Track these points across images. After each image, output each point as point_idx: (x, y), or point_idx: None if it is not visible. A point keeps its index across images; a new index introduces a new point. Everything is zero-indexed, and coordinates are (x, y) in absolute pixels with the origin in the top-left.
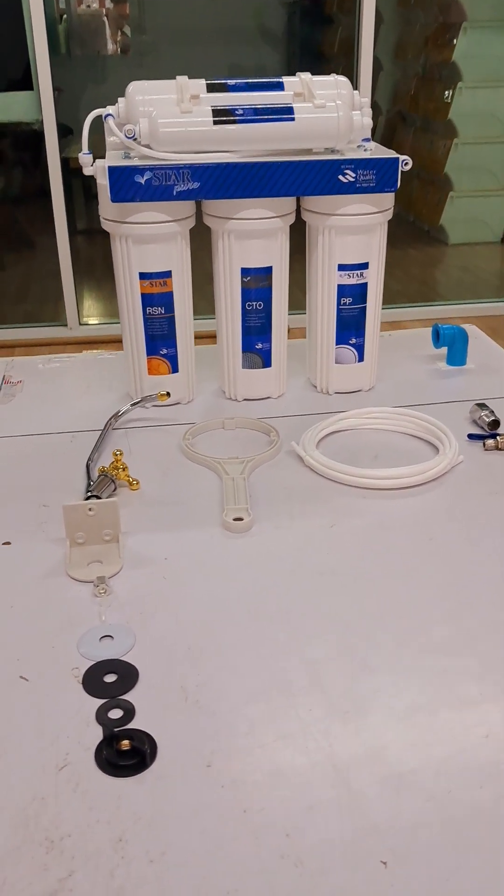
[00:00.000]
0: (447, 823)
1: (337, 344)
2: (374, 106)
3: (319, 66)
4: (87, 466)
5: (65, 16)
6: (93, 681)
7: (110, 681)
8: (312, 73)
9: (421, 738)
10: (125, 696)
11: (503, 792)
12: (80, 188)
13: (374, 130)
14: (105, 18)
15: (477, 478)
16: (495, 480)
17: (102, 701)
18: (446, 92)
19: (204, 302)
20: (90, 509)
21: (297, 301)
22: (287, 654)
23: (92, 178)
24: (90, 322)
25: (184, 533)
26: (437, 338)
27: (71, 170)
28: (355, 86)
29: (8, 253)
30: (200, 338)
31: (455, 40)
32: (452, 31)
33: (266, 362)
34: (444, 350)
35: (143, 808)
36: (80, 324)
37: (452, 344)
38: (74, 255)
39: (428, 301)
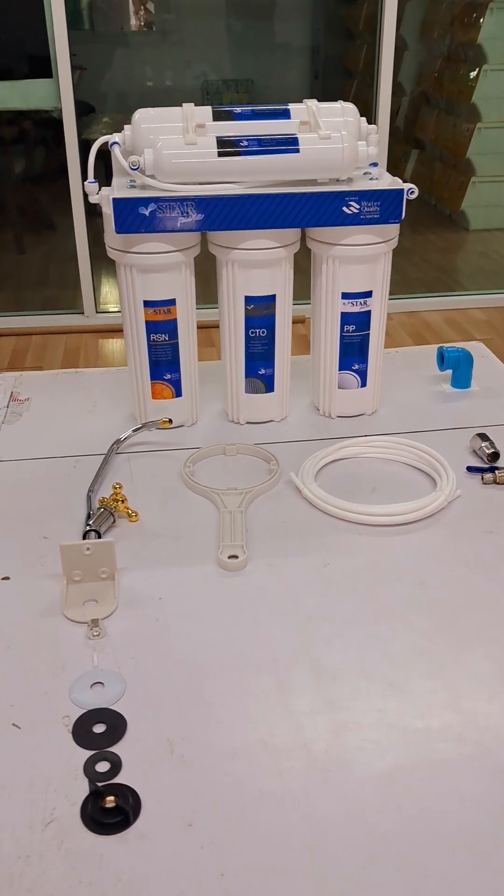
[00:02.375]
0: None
1: (340, 370)
2: (397, 86)
3: (344, 42)
4: (88, 497)
5: None
6: (82, 731)
7: (99, 731)
8: (336, 50)
9: (397, 801)
10: (113, 748)
11: (474, 861)
12: (102, 168)
13: (396, 111)
14: None
15: (473, 514)
16: (491, 518)
17: (91, 753)
18: (471, 74)
19: (208, 292)
20: (87, 549)
21: (304, 291)
22: (273, 707)
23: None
24: (109, 309)
25: (179, 569)
26: (442, 360)
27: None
28: (377, 63)
29: (30, 234)
30: (205, 328)
31: (481, 20)
32: (479, 10)
33: (269, 387)
34: (450, 371)
35: (124, 869)
36: (97, 311)
37: (457, 367)
38: (94, 239)
39: (447, 290)
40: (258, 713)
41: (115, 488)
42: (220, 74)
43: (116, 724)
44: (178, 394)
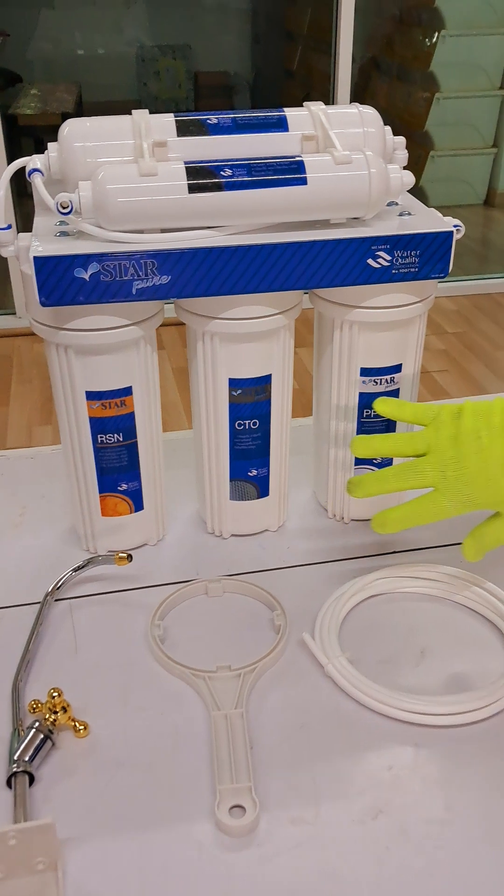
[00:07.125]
0: None
1: (356, 464)
2: None
3: (284, 3)
4: (15, 692)
5: None
6: None
7: None
8: (276, 12)
9: None
10: None
11: None
12: (31, 145)
13: None
14: None
15: None
16: None
17: None
18: (427, 39)
19: None
20: (12, 839)
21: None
22: None
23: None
24: None
25: (155, 838)
26: None
27: (18, 126)
28: (335, 30)
29: None
30: (166, 325)
31: None
32: None
33: (262, 492)
34: None
35: None
36: None
37: None
38: (25, 225)
39: None
40: None
41: (53, 697)
42: (155, 40)
43: None
44: (139, 507)
